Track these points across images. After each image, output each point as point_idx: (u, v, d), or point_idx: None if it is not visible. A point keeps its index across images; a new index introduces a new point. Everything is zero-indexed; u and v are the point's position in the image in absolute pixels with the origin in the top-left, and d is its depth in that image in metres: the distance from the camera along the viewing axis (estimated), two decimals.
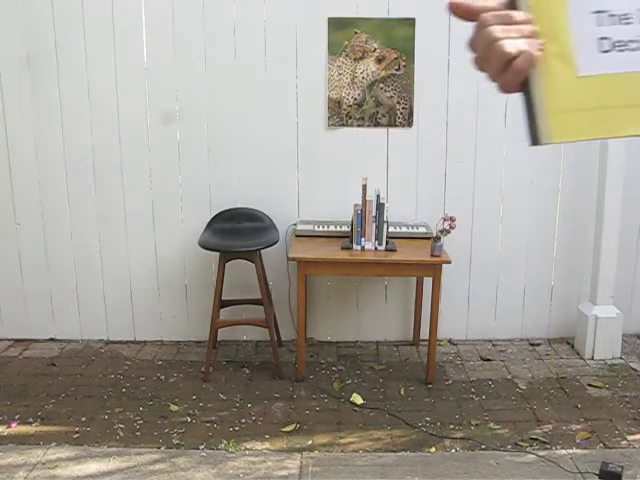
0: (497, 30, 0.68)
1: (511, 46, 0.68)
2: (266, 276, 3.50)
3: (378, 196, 3.27)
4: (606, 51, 0.72)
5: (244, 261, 3.36)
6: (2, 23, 3.48)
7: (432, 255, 3.20)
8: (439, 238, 3.21)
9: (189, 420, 2.98)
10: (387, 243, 3.32)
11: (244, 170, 3.67)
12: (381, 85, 3.56)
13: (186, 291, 3.82)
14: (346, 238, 3.40)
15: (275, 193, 3.70)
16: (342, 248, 3.32)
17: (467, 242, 3.75)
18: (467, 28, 0.69)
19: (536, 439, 2.82)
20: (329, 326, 3.88)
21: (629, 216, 3.68)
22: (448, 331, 3.83)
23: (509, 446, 2.78)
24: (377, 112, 3.60)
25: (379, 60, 3.52)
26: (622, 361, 3.62)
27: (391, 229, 3.45)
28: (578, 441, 2.80)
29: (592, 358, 3.64)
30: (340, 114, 3.61)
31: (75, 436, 2.83)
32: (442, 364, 3.57)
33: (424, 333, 3.61)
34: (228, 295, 3.55)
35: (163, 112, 3.60)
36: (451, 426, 2.94)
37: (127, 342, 3.83)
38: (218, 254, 3.34)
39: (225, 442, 2.78)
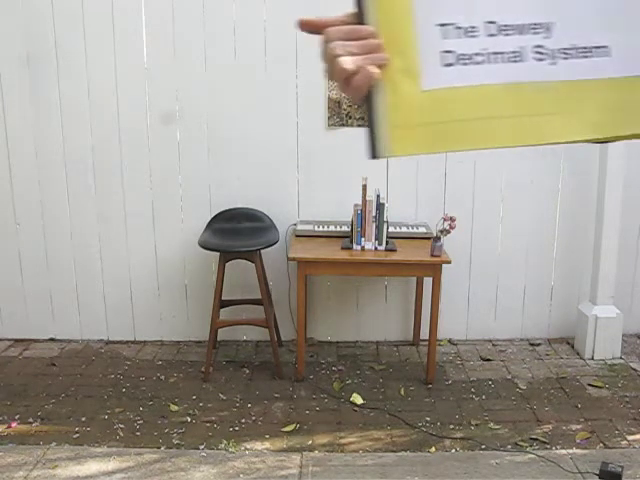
0: (338, 46, 0.68)
1: (349, 63, 0.68)
2: (266, 276, 3.50)
3: (378, 196, 3.27)
4: (450, 64, 0.71)
5: (244, 261, 3.36)
6: (2, 23, 3.48)
7: (432, 255, 3.20)
8: (439, 238, 3.21)
9: (189, 420, 2.98)
10: (387, 243, 3.32)
11: (244, 170, 3.67)
12: None
13: (186, 291, 3.82)
14: (346, 238, 3.40)
15: (275, 193, 3.70)
16: (342, 248, 3.32)
17: (467, 242, 3.75)
18: None
19: (536, 439, 2.82)
20: (329, 326, 3.88)
21: (629, 216, 3.68)
22: (448, 331, 3.83)
23: (509, 446, 2.78)
24: None
25: None
26: (622, 361, 3.62)
27: (391, 229, 3.45)
28: (578, 441, 2.81)
29: (592, 358, 3.64)
30: (340, 114, 3.60)
31: (75, 436, 2.83)
32: (442, 364, 3.57)
33: (424, 333, 3.61)
34: (228, 295, 3.55)
35: (163, 112, 3.60)
36: (451, 426, 2.94)
37: (127, 342, 3.83)
38: (218, 254, 3.34)
39: (225, 442, 2.78)
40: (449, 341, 3.88)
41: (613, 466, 2.33)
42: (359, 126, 3.61)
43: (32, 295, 3.80)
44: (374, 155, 0.71)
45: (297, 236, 3.51)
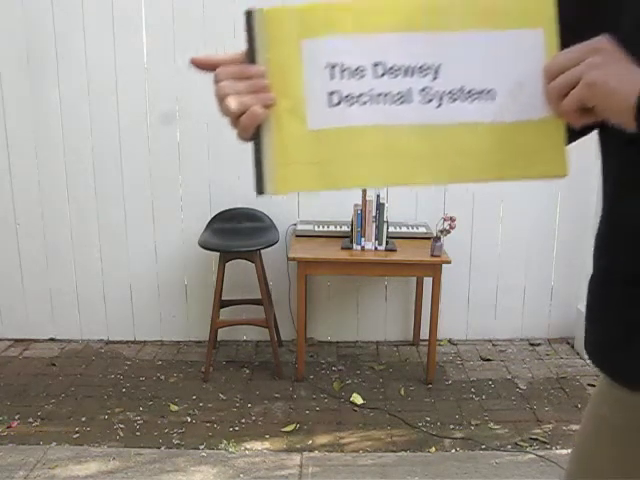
0: (226, 86, 0.71)
1: (236, 103, 0.70)
2: (266, 276, 3.50)
3: (378, 196, 3.27)
4: (336, 104, 0.72)
5: (244, 261, 3.36)
6: (2, 23, 3.48)
7: (432, 255, 3.20)
8: (439, 238, 3.21)
9: (189, 420, 2.98)
10: (387, 243, 3.32)
11: (244, 170, 3.66)
12: None
13: (186, 291, 3.82)
14: (346, 238, 3.40)
15: None
16: (342, 248, 3.32)
17: (467, 242, 3.75)
18: None
19: (536, 439, 2.82)
20: (329, 326, 3.88)
21: None
22: (448, 331, 3.83)
23: (509, 446, 2.78)
24: None
25: None
26: None
27: (391, 229, 3.45)
28: None
29: None
30: None
31: (75, 436, 2.83)
32: (442, 364, 3.57)
33: (424, 333, 3.61)
34: (228, 295, 3.55)
35: (163, 112, 3.60)
36: (451, 426, 2.94)
37: (127, 342, 3.83)
38: (218, 254, 3.34)
39: (225, 442, 2.78)
40: (449, 341, 3.88)
41: None
42: None
43: (32, 295, 3.80)
44: (260, 191, 0.73)
45: (297, 236, 3.51)
